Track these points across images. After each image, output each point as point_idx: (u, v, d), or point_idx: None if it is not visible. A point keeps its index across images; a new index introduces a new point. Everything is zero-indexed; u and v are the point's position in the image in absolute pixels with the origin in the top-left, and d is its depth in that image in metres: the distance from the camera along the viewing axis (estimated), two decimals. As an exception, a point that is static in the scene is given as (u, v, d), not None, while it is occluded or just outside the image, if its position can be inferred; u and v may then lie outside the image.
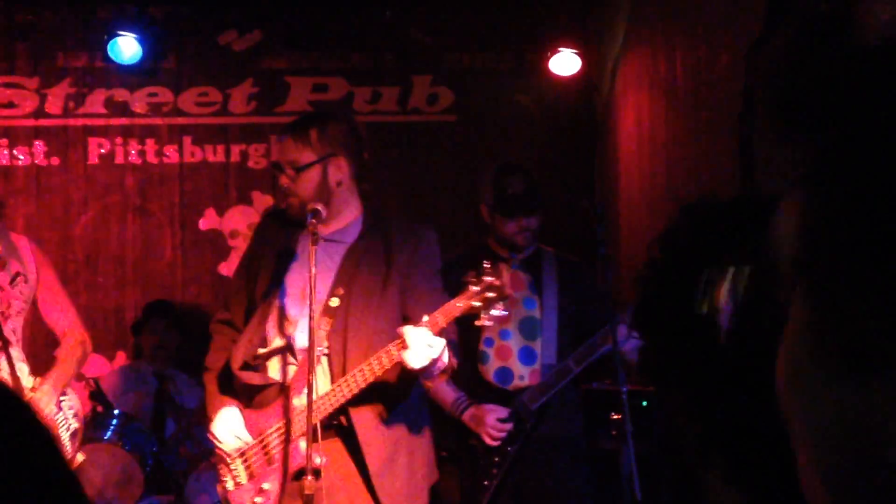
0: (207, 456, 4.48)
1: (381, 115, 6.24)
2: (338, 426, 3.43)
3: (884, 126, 0.61)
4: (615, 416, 4.34)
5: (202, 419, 5.10)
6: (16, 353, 3.87)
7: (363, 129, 3.67)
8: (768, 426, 0.71)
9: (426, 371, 3.26)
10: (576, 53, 5.97)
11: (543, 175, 5.59)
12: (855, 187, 0.60)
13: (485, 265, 3.31)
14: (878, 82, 0.66)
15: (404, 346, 3.18)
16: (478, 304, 3.25)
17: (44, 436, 0.87)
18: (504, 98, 6.34)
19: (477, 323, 3.55)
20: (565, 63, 6.01)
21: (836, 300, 0.62)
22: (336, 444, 3.43)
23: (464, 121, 6.37)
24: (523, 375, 4.26)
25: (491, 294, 3.24)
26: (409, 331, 3.20)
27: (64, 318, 4.12)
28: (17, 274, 4.01)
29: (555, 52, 5.97)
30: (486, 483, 4.14)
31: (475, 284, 3.28)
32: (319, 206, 3.36)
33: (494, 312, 3.31)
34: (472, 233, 5.09)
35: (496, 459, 4.17)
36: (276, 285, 3.58)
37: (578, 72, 6.06)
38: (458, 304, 3.27)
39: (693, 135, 5.14)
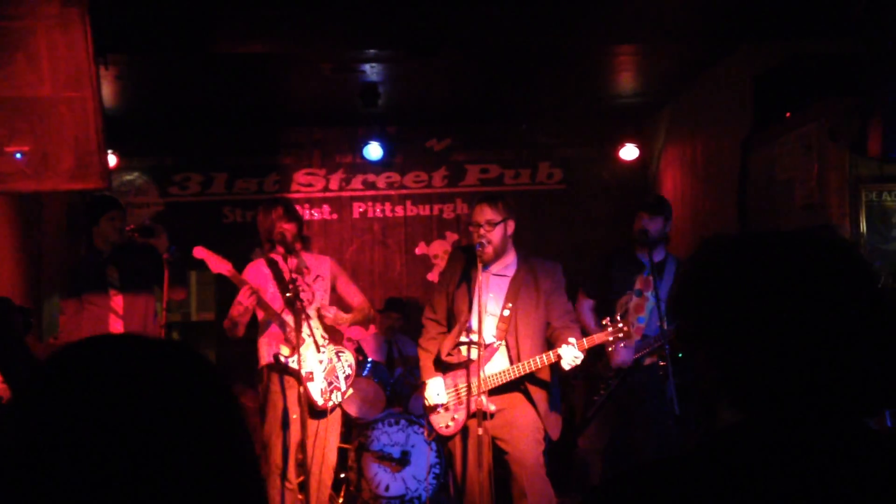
0: (421, 386, 4.48)
1: (520, 187, 7.41)
2: (520, 387, 3.95)
3: None
4: (661, 363, 4.44)
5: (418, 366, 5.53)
6: (314, 323, 4.34)
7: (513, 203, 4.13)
8: (755, 373, 0.84)
9: (571, 370, 3.84)
10: (636, 146, 7.18)
11: (615, 221, 6.72)
12: None
13: (619, 317, 3.79)
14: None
15: (559, 357, 3.69)
16: (611, 339, 3.80)
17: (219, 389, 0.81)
18: (593, 174, 7.49)
19: (608, 349, 3.94)
20: (629, 152, 7.22)
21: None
22: (519, 396, 3.98)
23: (569, 189, 7.52)
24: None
25: (620, 335, 3.79)
26: (564, 350, 3.68)
27: (356, 297, 4.71)
28: (317, 276, 4.58)
29: (623, 145, 7.18)
30: (595, 398, 4.73)
31: (611, 327, 3.77)
32: (484, 242, 3.84)
33: (620, 346, 3.84)
34: (573, 256, 5.81)
35: (602, 385, 4.71)
36: (465, 301, 4.00)
37: (637, 157, 7.23)
38: (596, 338, 3.75)
39: (707, 195, 6.07)
